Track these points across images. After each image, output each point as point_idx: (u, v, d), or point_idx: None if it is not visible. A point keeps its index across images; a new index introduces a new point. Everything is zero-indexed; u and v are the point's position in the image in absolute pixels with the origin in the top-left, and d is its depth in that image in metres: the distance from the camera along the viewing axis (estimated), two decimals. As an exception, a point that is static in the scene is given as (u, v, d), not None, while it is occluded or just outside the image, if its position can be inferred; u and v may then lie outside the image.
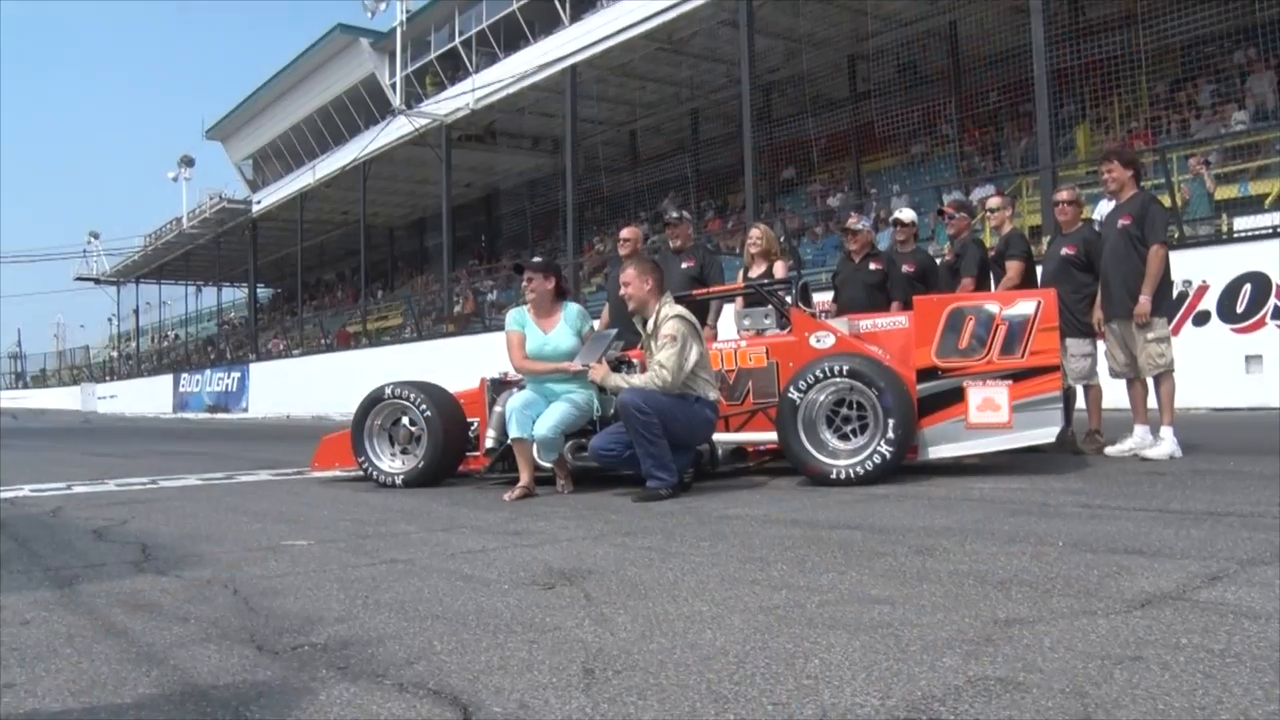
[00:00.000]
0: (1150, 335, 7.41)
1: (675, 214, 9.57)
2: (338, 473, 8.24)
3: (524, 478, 6.57)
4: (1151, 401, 7.60)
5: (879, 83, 24.13)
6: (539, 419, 6.55)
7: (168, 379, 47.20)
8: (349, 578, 3.86)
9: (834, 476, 6.42)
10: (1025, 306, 6.57)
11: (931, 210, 18.63)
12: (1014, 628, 2.71)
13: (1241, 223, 16.01)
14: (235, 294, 61.44)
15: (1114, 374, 7.87)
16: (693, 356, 6.26)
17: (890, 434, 6.32)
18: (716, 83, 27.99)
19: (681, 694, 2.29)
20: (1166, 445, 7.38)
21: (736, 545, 4.27)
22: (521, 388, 7.03)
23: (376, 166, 35.47)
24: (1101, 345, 8.01)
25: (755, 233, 9.35)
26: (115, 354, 66.51)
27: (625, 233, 9.48)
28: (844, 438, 6.66)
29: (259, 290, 59.99)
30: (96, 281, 63.02)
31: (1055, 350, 6.54)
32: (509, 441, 6.67)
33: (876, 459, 6.35)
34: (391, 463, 7.67)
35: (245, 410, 37.88)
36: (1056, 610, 2.89)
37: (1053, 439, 6.56)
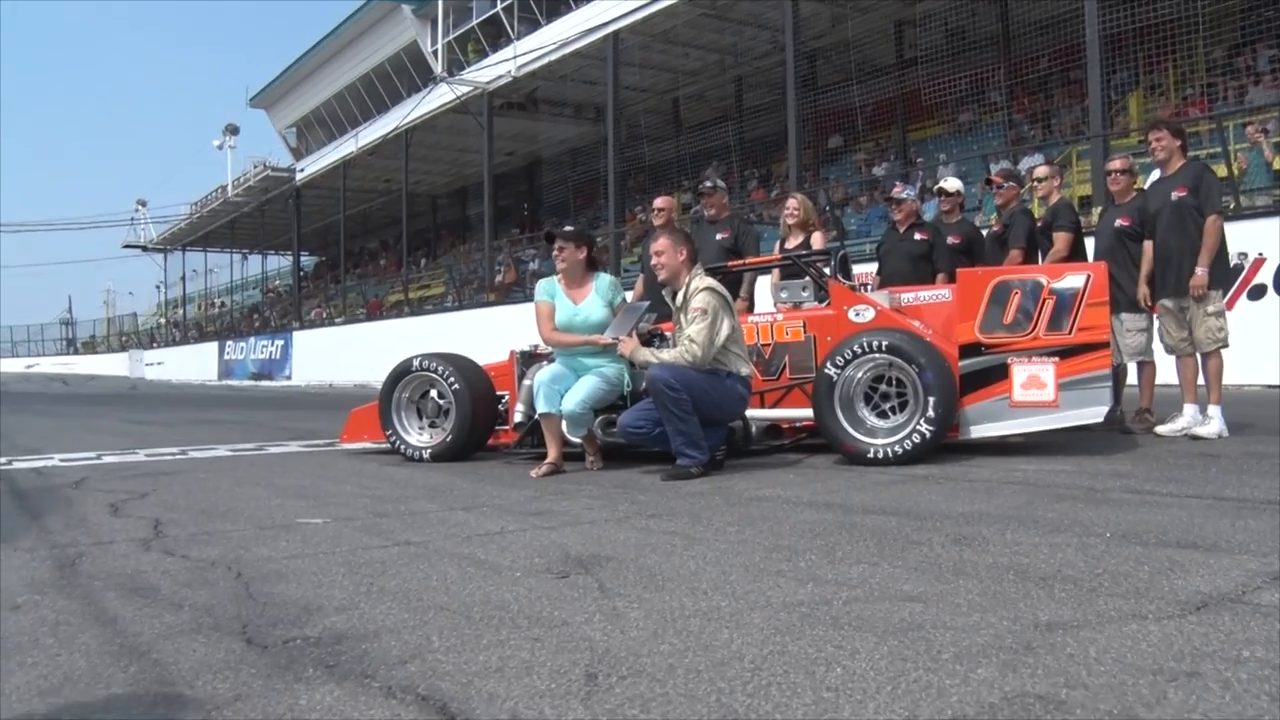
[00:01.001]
0: (1210, 308, 7.12)
1: (710, 183, 9.32)
2: (367, 445, 8.09)
3: (552, 454, 6.39)
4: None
5: (926, 49, 23.57)
6: (567, 393, 6.37)
7: (213, 346, 47.56)
8: (358, 561, 3.70)
9: (871, 455, 6.20)
10: (1074, 280, 6.29)
11: (979, 180, 18.23)
12: (1057, 633, 2.49)
13: (1301, 193, 15.54)
14: (280, 262, 61.73)
15: (1169, 350, 7.57)
16: (724, 330, 6.05)
17: (930, 412, 6.08)
18: (761, 49, 27.54)
19: (689, 706, 2.09)
20: (1216, 423, 7.11)
21: (765, 531, 4.07)
22: (551, 361, 6.86)
23: (419, 135, 35.32)
24: (1155, 321, 7.73)
25: (793, 202, 9.10)
26: (163, 321, 67.11)
27: (659, 202, 9.26)
28: (882, 415, 6.43)
29: (303, 258, 60.39)
30: (144, 249, 63.52)
31: (1105, 326, 6.26)
32: (536, 416, 6.50)
33: (916, 438, 6.12)
34: (420, 436, 7.53)
35: (289, 378, 38.10)
36: (1104, 613, 2.67)
37: (1100, 419, 6.28)
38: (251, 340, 43.72)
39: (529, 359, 7.27)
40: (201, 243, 59.33)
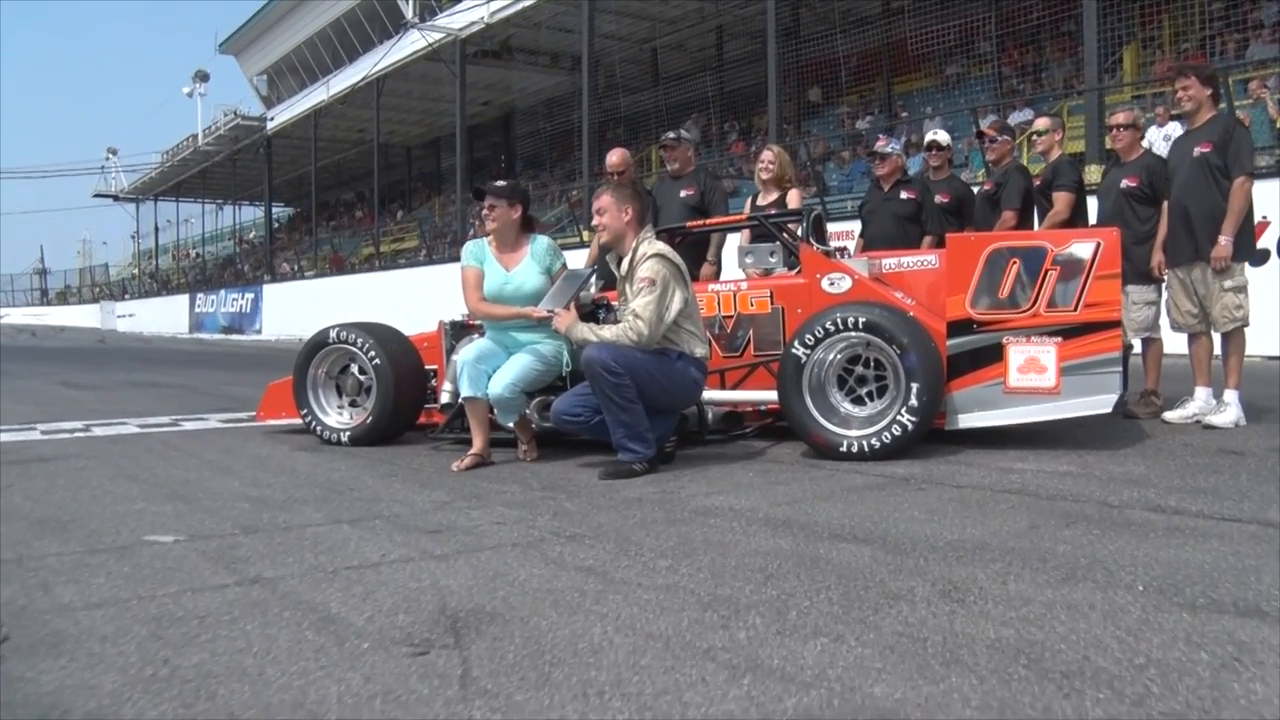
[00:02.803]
0: (1228, 283, 6.31)
1: (673, 134, 8.39)
2: (286, 422, 7.22)
3: (476, 444, 5.56)
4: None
5: (914, -2, 22.67)
6: (495, 374, 5.52)
7: (185, 298, 46.51)
8: (172, 615, 2.85)
9: (844, 449, 5.38)
10: (1081, 248, 5.45)
11: (966, 135, 17.36)
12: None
13: (1311, 154, 14.73)
14: (255, 212, 60.48)
15: (1176, 327, 6.77)
16: (675, 304, 5.19)
17: (913, 400, 5.26)
18: (742, -3, 26.50)
19: None
20: (1232, 411, 6.32)
21: (704, 569, 3.23)
22: (483, 334, 6.01)
23: (391, 83, 34.27)
24: (1164, 293, 6.93)
25: (767, 155, 8.21)
26: (137, 272, 65.90)
27: (613, 156, 8.35)
28: (858, 402, 5.61)
29: (278, 209, 59.17)
30: (115, 198, 62.39)
31: (1116, 302, 5.43)
32: (460, 399, 5.66)
33: (896, 430, 5.29)
34: (339, 416, 6.68)
35: (259, 332, 37.24)
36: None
37: (1108, 409, 5.45)
38: (222, 293, 42.76)
39: (460, 330, 6.40)
40: (174, 192, 58.23)
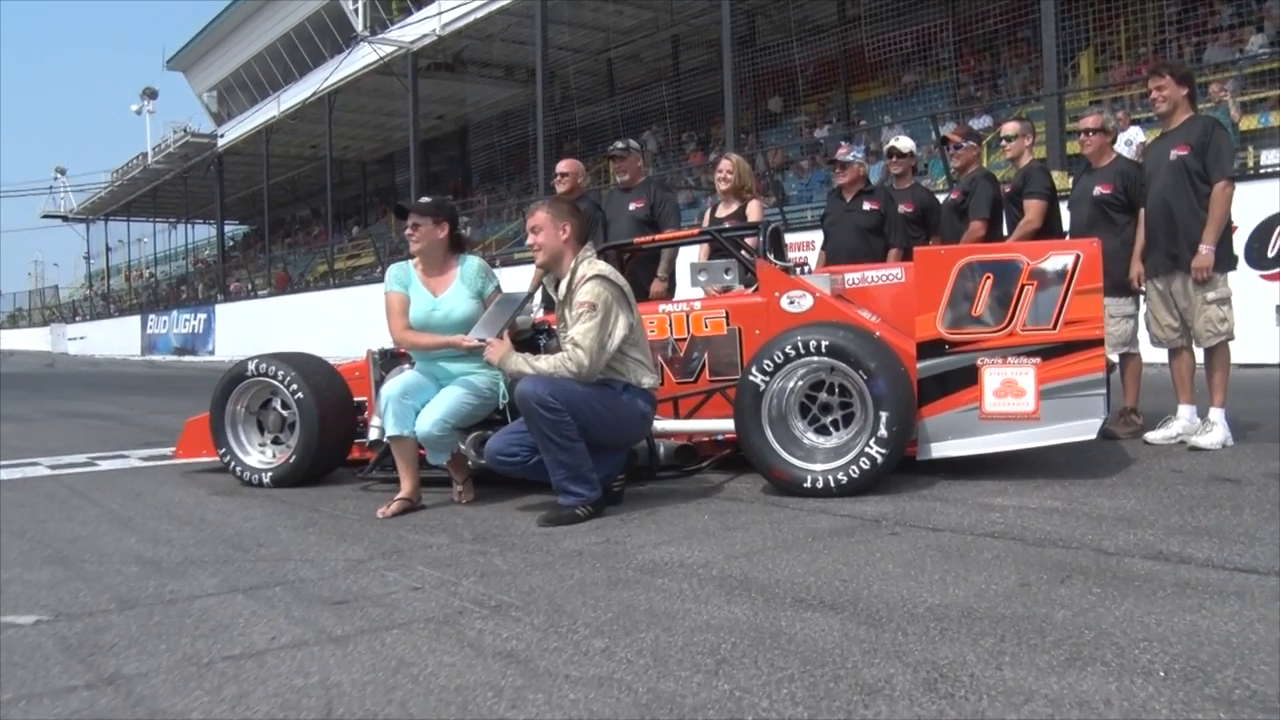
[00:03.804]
0: (1211, 295, 5.90)
1: (621, 144, 7.93)
2: (206, 461, 6.67)
3: (405, 487, 5.04)
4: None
5: (870, 5, 22.33)
6: (423, 410, 5.01)
7: (137, 320, 45.59)
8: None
9: (809, 485, 4.90)
10: (1060, 261, 5.01)
11: (925, 142, 17.03)
12: None
13: (1270, 156, 14.48)
14: (210, 230, 59.49)
15: (1156, 342, 6.36)
16: (619, 330, 4.69)
17: (882, 430, 4.79)
18: (697, 6, 26.03)
19: None
20: (1218, 431, 5.91)
21: (646, 651, 2.74)
22: (413, 364, 5.50)
23: (343, 98, 33.75)
24: (1143, 305, 6.52)
25: (726, 164, 7.77)
26: (89, 293, 64.71)
27: (563, 165, 7.90)
28: (822, 431, 5.14)
29: (234, 226, 58.30)
30: (64, 219, 61.31)
31: (1098, 319, 4.99)
32: (385, 438, 5.15)
33: (864, 464, 4.83)
34: (260, 456, 6.14)
35: (212, 353, 36.40)
36: None
37: (1092, 435, 5.00)
38: (174, 313, 41.88)
39: (390, 360, 5.86)
40: (124, 212, 57.28)
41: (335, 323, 25.72)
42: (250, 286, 39.63)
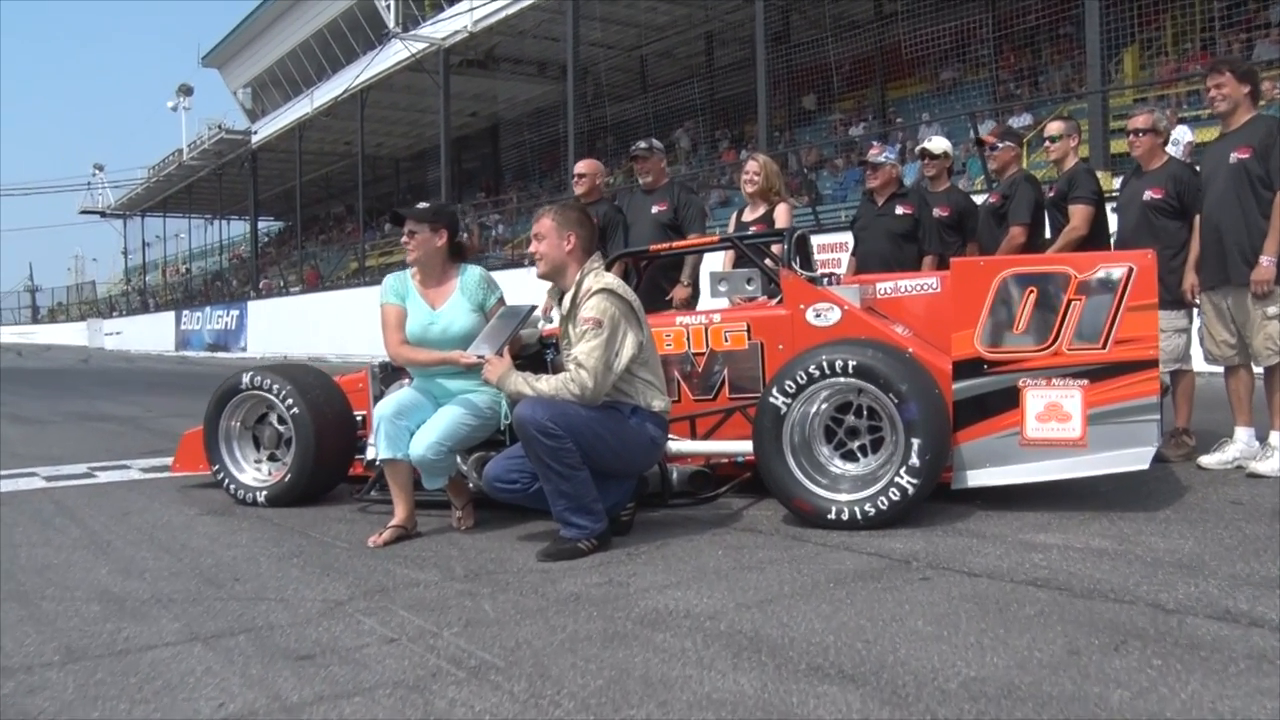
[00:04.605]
0: (1272, 310, 5.46)
1: (645, 144, 7.55)
2: (203, 476, 6.35)
3: (399, 513, 4.70)
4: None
5: (907, 1, 21.86)
6: (419, 431, 4.66)
7: (171, 316, 45.68)
8: None
9: (833, 517, 4.52)
10: (1111, 274, 4.60)
11: (962, 141, 16.55)
12: None
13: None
14: (245, 226, 59.65)
15: (1211, 359, 5.93)
16: (627, 349, 4.33)
17: (914, 459, 4.40)
18: (731, 3, 25.60)
19: None
20: (1278, 457, 5.46)
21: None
22: (413, 381, 5.15)
23: (375, 95, 33.52)
24: (1196, 319, 6.09)
25: (752, 165, 7.39)
26: (127, 289, 65.04)
27: (581, 166, 7.54)
28: (849, 456, 4.76)
29: (268, 223, 58.39)
30: (102, 215, 61.57)
31: (1152, 338, 4.57)
32: (378, 462, 4.81)
33: (894, 494, 4.44)
34: (256, 472, 5.83)
35: (244, 350, 36.33)
36: None
37: (1144, 465, 4.58)
38: (207, 310, 41.89)
39: (390, 375, 5.52)
40: (160, 208, 57.38)
41: (365, 321, 25.39)
42: (282, 283, 39.58)
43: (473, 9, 27.27)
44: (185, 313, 44.28)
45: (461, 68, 30.35)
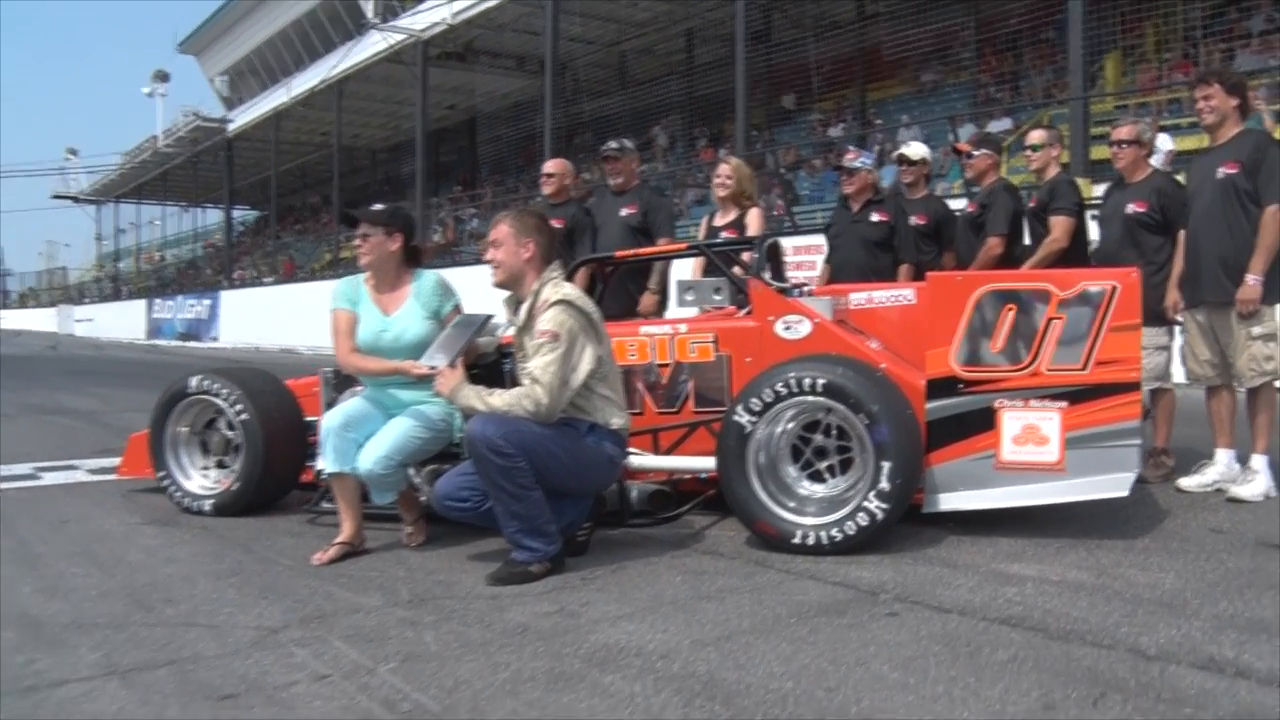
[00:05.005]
0: (1257, 330, 5.29)
1: (615, 144, 7.31)
2: (151, 480, 6.10)
3: (345, 529, 4.48)
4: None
5: (889, 2, 21.70)
6: (368, 444, 4.44)
7: (143, 303, 45.23)
8: None
9: (798, 541, 4.32)
10: (1093, 292, 4.43)
11: (941, 145, 16.42)
12: None
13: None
14: (222, 215, 59.13)
15: (1193, 378, 5.77)
16: (584, 364, 4.12)
17: (884, 483, 4.21)
18: (713, 0, 25.43)
19: None
20: (1260, 481, 5.31)
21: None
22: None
23: (353, 85, 33.19)
24: (1178, 337, 5.93)
25: (724, 169, 7.15)
26: (100, 275, 64.36)
27: (549, 166, 7.34)
28: (817, 476, 4.57)
29: (245, 212, 57.81)
30: (75, 200, 60.83)
31: (1135, 360, 4.40)
32: (324, 476, 4.59)
33: (862, 519, 4.24)
34: (203, 480, 5.60)
35: (215, 339, 36.02)
36: None
37: (1124, 491, 4.41)
38: (179, 298, 41.53)
39: (343, 381, 5.28)
40: (135, 194, 56.77)
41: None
42: (255, 273, 39.21)
43: (452, 1, 27.00)
44: (157, 301, 43.95)
45: (440, 60, 30.04)
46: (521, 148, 33.52)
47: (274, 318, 30.90)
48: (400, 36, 28.94)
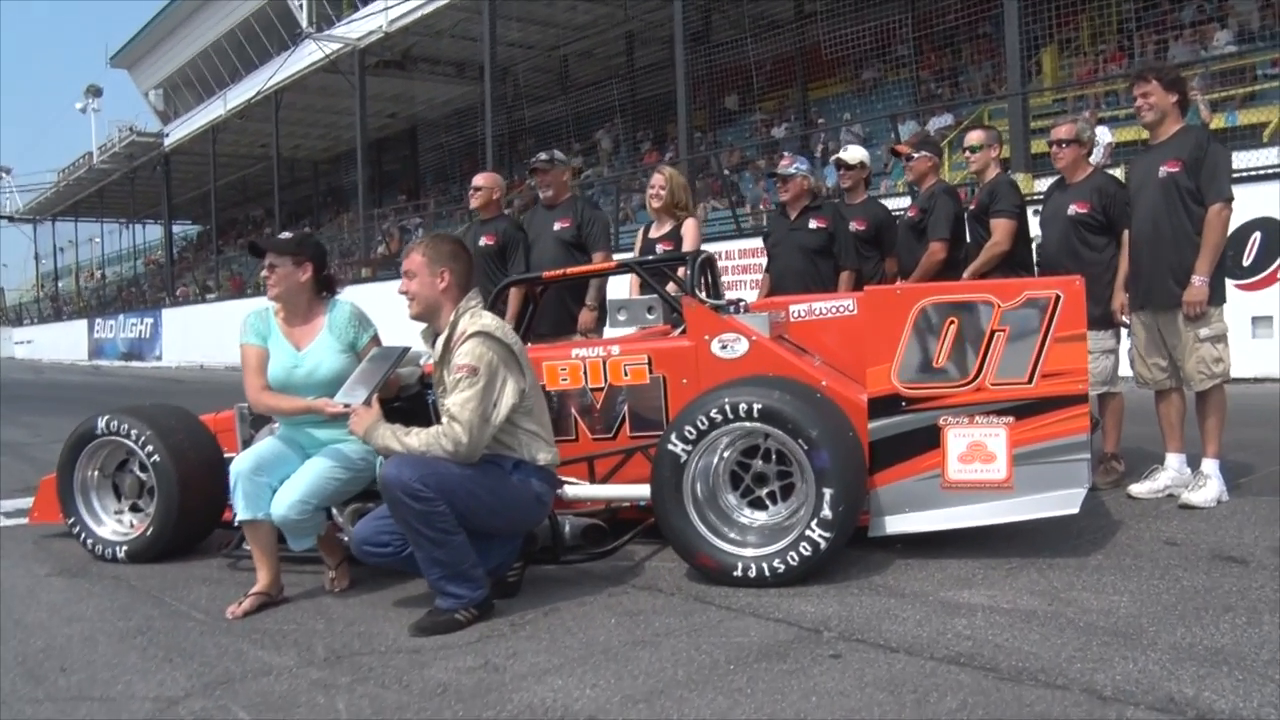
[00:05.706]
0: (1205, 331, 5.17)
1: (545, 155, 7.07)
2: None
3: (261, 578, 4.22)
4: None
5: (826, 1, 21.61)
6: (281, 488, 4.18)
7: (84, 324, 44.39)
8: None
9: (739, 574, 4.12)
10: (1036, 303, 4.27)
11: (883, 142, 16.35)
12: None
13: (1243, 159, 13.81)
14: (162, 231, 58.21)
15: (1141, 383, 5.64)
16: (506, 398, 3.89)
17: (826, 511, 4.02)
18: (652, 2, 25.22)
19: None
20: (1212, 486, 5.20)
21: None
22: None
23: (290, 96, 32.68)
24: (1125, 340, 5.80)
25: (658, 180, 6.96)
26: (39, 295, 63.17)
27: (478, 179, 7.10)
28: (758, 503, 4.37)
29: (185, 227, 56.95)
30: (10, 219, 59.67)
31: (1081, 371, 4.24)
32: (236, 523, 4.33)
33: (804, 549, 4.05)
34: (116, 525, 5.30)
35: (159, 358, 35.41)
36: None
37: (1074, 509, 4.25)
38: (121, 318, 40.79)
39: (260, 418, 5.01)
40: (72, 212, 55.88)
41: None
42: (199, 290, 38.57)
43: (388, 8, 26.63)
44: (98, 320, 43.17)
45: (378, 69, 29.67)
46: (465, 154, 33.19)
47: (219, 335, 30.28)
48: (336, 45, 28.54)
